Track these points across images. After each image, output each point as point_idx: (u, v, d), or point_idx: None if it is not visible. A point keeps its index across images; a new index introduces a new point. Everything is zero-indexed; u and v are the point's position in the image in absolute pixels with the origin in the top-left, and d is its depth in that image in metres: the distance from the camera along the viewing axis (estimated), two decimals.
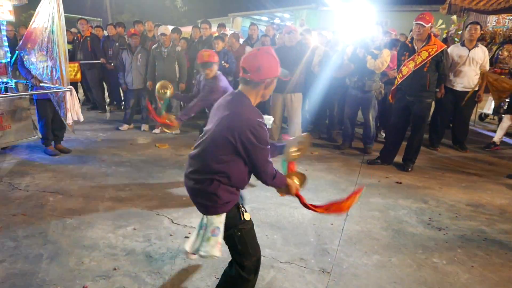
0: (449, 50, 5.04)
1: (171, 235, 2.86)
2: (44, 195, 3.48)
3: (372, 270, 2.52)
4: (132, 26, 7.30)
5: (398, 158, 4.68)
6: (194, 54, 6.58)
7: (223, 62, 5.59)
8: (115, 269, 2.43)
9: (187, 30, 8.48)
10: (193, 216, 3.17)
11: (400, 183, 4.11)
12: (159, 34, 5.71)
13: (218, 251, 1.84)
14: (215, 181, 1.80)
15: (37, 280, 2.29)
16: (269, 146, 1.81)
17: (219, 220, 1.84)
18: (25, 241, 2.70)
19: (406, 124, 4.58)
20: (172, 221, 3.08)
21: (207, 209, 1.85)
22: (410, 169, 4.48)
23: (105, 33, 7.66)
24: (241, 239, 1.89)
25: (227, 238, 1.91)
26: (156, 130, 5.98)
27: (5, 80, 4.46)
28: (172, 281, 2.32)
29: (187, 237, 2.82)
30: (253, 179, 1.91)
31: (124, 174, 4.11)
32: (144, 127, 6.14)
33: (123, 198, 3.49)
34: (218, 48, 5.54)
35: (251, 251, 1.91)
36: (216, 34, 6.62)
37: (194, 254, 2.18)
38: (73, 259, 2.51)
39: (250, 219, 1.94)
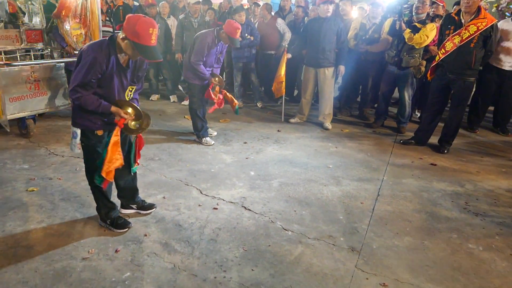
0: (498, 25, 4.64)
1: (199, 205, 2.89)
2: (78, 161, 3.58)
3: (404, 251, 2.45)
4: None
5: (434, 139, 4.47)
6: None
7: (247, 34, 5.43)
8: (145, 235, 2.48)
9: (217, 1, 8.29)
10: (221, 188, 3.18)
11: (435, 165, 3.94)
12: (192, 3, 5.58)
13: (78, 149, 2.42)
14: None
15: (72, 241, 2.38)
16: (87, 75, 2.10)
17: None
18: (61, 204, 2.81)
19: (444, 103, 4.33)
20: (200, 192, 3.10)
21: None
22: (446, 151, 4.28)
23: (135, 3, 7.62)
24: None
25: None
26: (185, 102, 5.99)
27: (41, 47, 4.54)
28: (200, 251, 2.35)
29: (215, 208, 2.84)
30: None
31: (154, 144, 4.16)
32: (173, 98, 6.16)
33: (153, 167, 3.54)
34: (242, 21, 5.34)
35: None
36: (247, 6, 6.42)
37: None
38: None
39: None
